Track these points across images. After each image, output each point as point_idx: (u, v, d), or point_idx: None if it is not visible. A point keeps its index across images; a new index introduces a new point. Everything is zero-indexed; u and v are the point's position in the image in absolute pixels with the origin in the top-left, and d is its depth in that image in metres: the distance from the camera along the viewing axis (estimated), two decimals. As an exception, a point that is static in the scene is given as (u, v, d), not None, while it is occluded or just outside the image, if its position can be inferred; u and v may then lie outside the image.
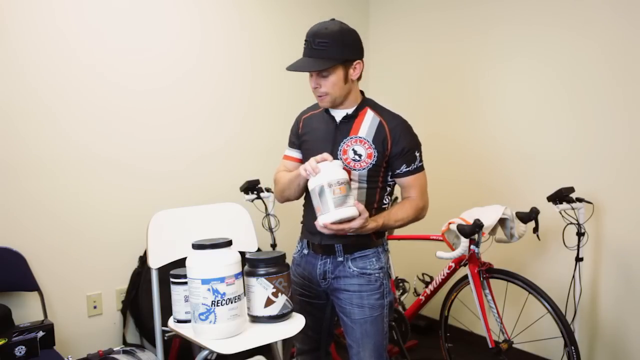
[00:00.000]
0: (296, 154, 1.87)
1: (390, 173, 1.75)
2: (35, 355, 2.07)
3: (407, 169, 1.72)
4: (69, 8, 2.44)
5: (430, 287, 2.68)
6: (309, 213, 1.77)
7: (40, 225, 2.42)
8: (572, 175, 2.54)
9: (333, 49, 1.62)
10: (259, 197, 2.69)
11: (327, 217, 1.56)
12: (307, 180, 1.64)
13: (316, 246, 1.79)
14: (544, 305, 2.23)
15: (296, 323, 1.66)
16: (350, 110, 1.74)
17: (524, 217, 2.33)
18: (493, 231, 2.39)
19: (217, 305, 1.52)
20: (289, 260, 1.72)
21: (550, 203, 2.38)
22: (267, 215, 2.71)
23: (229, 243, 1.58)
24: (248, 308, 1.65)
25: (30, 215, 2.40)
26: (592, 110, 2.48)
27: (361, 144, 1.70)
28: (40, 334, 2.17)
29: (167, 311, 1.80)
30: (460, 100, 3.05)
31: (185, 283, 1.61)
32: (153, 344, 2.53)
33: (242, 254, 1.65)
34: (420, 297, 2.73)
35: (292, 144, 1.88)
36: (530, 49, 2.68)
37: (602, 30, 2.41)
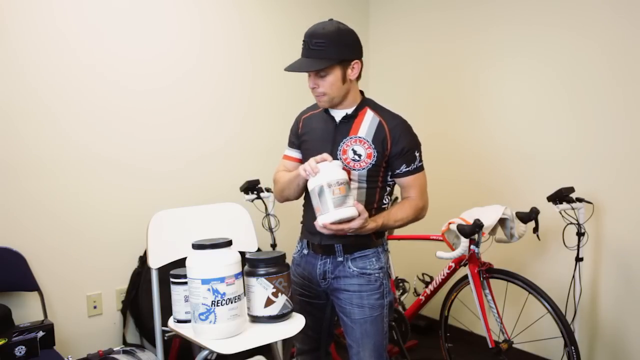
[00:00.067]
0: (296, 153, 1.87)
1: (390, 173, 1.75)
2: (35, 355, 2.07)
3: (407, 169, 1.72)
4: (68, 8, 2.44)
5: (430, 287, 2.68)
6: (309, 213, 1.77)
7: (40, 225, 2.42)
8: (572, 175, 2.54)
9: (330, 49, 1.62)
10: (259, 197, 2.69)
11: (327, 217, 1.56)
12: (307, 180, 1.64)
13: (316, 246, 1.79)
14: (544, 305, 2.23)
15: (296, 323, 1.66)
16: (349, 110, 1.74)
17: (524, 217, 2.33)
18: (493, 231, 2.39)
19: (217, 305, 1.52)
20: (288, 260, 1.72)
21: (550, 203, 2.38)
22: (267, 215, 2.71)
23: (229, 243, 1.58)
24: (248, 308, 1.65)
25: (30, 215, 2.40)
26: (592, 110, 2.48)
27: (361, 144, 1.70)
28: (40, 334, 2.17)
29: (167, 311, 1.80)
30: (460, 100, 3.05)
31: (185, 283, 1.61)
32: (153, 344, 2.53)
33: (242, 254, 1.65)
34: (420, 297, 2.73)
35: (292, 144, 1.88)
36: (530, 49, 2.68)
37: (602, 30, 2.41)
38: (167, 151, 2.78)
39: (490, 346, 2.34)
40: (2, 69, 2.30)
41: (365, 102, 1.76)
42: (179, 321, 1.73)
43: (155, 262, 1.87)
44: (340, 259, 1.75)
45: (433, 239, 2.63)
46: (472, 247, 2.32)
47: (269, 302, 1.62)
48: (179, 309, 1.72)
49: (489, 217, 2.30)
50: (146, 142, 2.71)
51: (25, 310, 2.40)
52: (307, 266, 1.83)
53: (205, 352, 1.62)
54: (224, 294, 1.52)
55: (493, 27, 2.84)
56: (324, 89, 1.67)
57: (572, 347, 2.16)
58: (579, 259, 2.40)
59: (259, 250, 2.15)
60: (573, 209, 2.36)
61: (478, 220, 2.21)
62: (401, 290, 2.92)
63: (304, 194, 1.82)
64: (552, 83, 2.62)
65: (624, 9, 2.34)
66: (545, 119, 2.65)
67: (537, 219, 2.34)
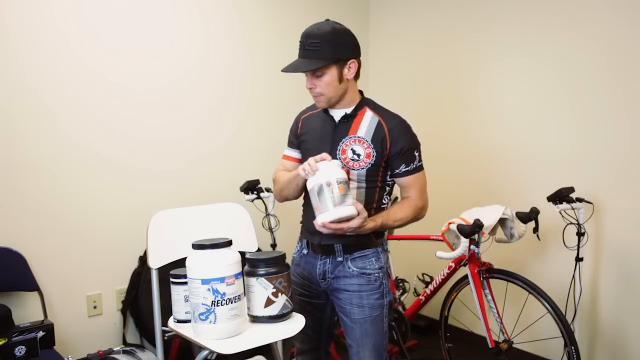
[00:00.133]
0: (295, 153, 1.87)
1: (389, 173, 1.76)
2: (35, 355, 2.07)
3: (407, 168, 1.72)
4: (68, 8, 2.44)
5: (430, 287, 2.68)
6: (308, 213, 1.77)
7: (40, 225, 2.42)
8: (572, 175, 2.54)
9: (325, 48, 1.62)
10: (259, 197, 2.69)
11: (326, 216, 1.56)
12: (306, 180, 1.64)
13: (316, 246, 1.79)
14: (544, 305, 2.23)
15: (296, 323, 1.66)
16: (349, 110, 1.74)
17: (524, 217, 2.33)
18: (493, 231, 2.39)
19: (217, 305, 1.52)
20: (288, 260, 1.72)
21: (550, 203, 2.38)
22: (267, 215, 2.71)
23: (229, 243, 1.58)
24: (248, 308, 1.65)
25: (30, 215, 2.40)
26: (592, 110, 2.48)
27: (360, 144, 1.70)
28: (40, 334, 2.17)
29: (167, 311, 1.80)
30: (460, 100, 3.05)
31: (185, 283, 1.61)
32: (153, 344, 2.53)
33: (242, 254, 1.65)
34: (420, 297, 2.73)
35: (291, 144, 1.89)
36: (531, 49, 2.68)
37: (602, 30, 2.41)
38: (167, 151, 2.78)
39: (490, 346, 2.34)
40: (2, 69, 2.30)
41: (365, 102, 1.76)
42: (179, 321, 1.73)
43: (155, 262, 1.87)
44: (339, 259, 1.75)
45: (433, 239, 2.63)
46: (472, 247, 2.32)
47: (269, 302, 1.62)
48: (179, 309, 1.72)
49: (489, 217, 2.30)
50: (146, 142, 2.71)
51: (25, 310, 2.40)
52: (306, 266, 1.83)
53: (205, 352, 1.62)
54: (224, 294, 1.52)
55: (493, 27, 2.84)
56: (320, 89, 1.68)
57: (572, 347, 2.16)
58: (579, 259, 2.40)
59: (259, 250, 2.15)
60: (573, 209, 2.36)
61: (478, 220, 2.21)
62: (401, 290, 2.92)
63: (303, 194, 1.82)
64: (552, 83, 2.62)
65: (624, 9, 2.34)
66: (545, 119, 2.65)
67: (537, 219, 2.34)
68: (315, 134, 1.79)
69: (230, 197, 2.50)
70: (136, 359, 2.30)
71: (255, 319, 1.65)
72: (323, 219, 1.57)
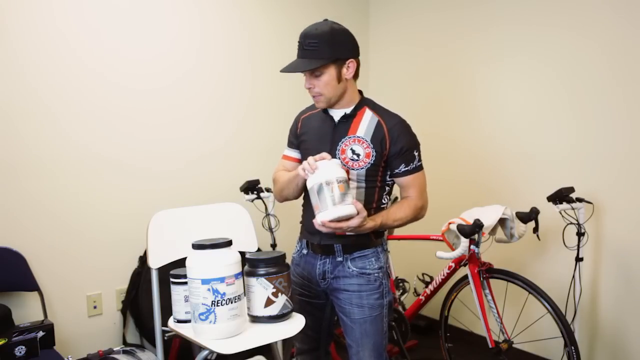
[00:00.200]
0: (295, 154, 1.87)
1: (389, 172, 1.76)
2: (35, 355, 2.07)
3: (406, 168, 1.72)
4: (68, 8, 2.44)
5: (430, 287, 2.68)
6: (308, 213, 1.77)
7: (40, 225, 2.42)
8: (572, 175, 2.54)
9: (323, 48, 1.62)
10: (259, 197, 2.69)
11: (325, 214, 1.56)
12: (306, 179, 1.64)
13: (315, 246, 1.79)
14: (544, 305, 2.23)
15: (296, 323, 1.66)
16: (348, 110, 1.74)
17: (524, 217, 2.33)
18: (493, 231, 2.39)
19: (217, 305, 1.52)
20: (288, 260, 1.72)
21: (550, 203, 2.38)
22: (267, 215, 2.71)
23: (229, 243, 1.58)
24: (248, 308, 1.65)
25: (30, 215, 2.40)
26: (592, 110, 2.48)
27: (359, 144, 1.70)
28: (40, 334, 2.17)
29: (167, 311, 1.80)
30: (461, 100, 3.05)
31: (185, 283, 1.61)
32: (153, 344, 2.53)
33: (242, 254, 1.65)
34: (420, 297, 2.73)
35: (291, 144, 1.89)
36: (531, 49, 2.68)
37: (602, 30, 2.41)
38: (167, 151, 2.78)
39: (490, 346, 2.34)
40: (2, 69, 2.30)
41: (364, 102, 1.76)
42: (179, 321, 1.73)
43: (155, 262, 1.87)
44: (339, 258, 1.75)
45: (433, 239, 2.63)
46: (472, 247, 2.32)
47: (269, 302, 1.62)
48: (179, 309, 1.72)
49: (489, 217, 2.30)
50: (146, 142, 2.71)
51: (25, 310, 2.40)
52: (306, 266, 1.83)
53: (205, 352, 1.62)
54: (224, 294, 1.52)
55: (493, 27, 2.84)
56: (319, 89, 1.68)
57: (572, 347, 2.16)
58: (579, 259, 2.40)
59: (259, 250, 2.15)
60: (573, 209, 2.36)
61: (478, 220, 2.21)
62: (401, 290, 2.92)
63: (303, 194, 1.82)
64: (552, 83, 2.62)
65: (624, 9, 2.34)
66: (545, 119, 2.65)
67: (537, 219, 2.34)
68: (314, 134, 1.79)
69: (230, 197, 2.50)
70: (136, 359, 2.30)
71: (255, 319, 1.65)
72: (322, 217, 1.57)
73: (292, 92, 3.05)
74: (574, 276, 2.42)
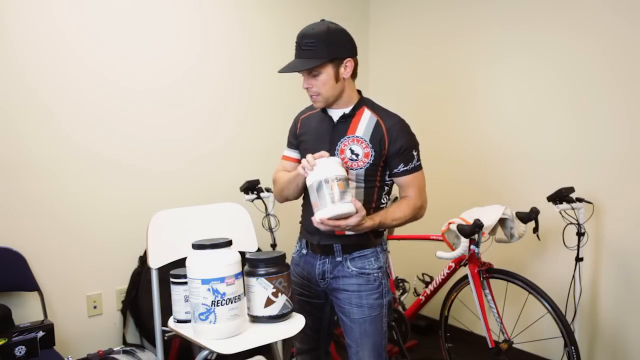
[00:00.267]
0: (294, 154, 1.87)
1: (388, 172, 1.76)
2: (35, 355, 2.07)
3: (405, 168, 1.72)
4: (68, 8, 2.44)
5: (430, 287, 2.68)
6: (308, 213, 1.77)
7: (40, 225, 2.42)
8: (572, 175, 2.54)
9: (320, 48, 1.63)
10: (259, 197, 2.69)
11: (324, 212, 1.56)
12: (306, 178, 1.64)
13: (315, 246, 1.79)
14: (544, 305, 2.23)
15: (296, 323, 1.66)
16: (347, 110, 1.74)
17: (524, 217, 2.33)
18: (493, 231, 2.39)
19: (217, 305, 1.52)
20: (288, 260, 1.72)
21: (550, 203, 2.38)
22: (267, 215, 2.71)
23: (229, 243, 1.58)
24: (248, 308, 1.65)
25: (30, 215, 2.40)
26: (592, 110, 2.48)
27: (358, 144, 1.70)
28: (40, 334, 2.17)
29: (167, 311, 1.80)
30: (461, 100, 3.05)
31: (185, 283, 1.61)
32: (153, 344, 2.53)
33: (242, 254, 1.65)
34: (420, 297, 2.73)
35: (290, 145, 1.89)
36: (531, 49, 2.68)
37: (602, 30, 2.41)
38: (167, 151, 2.78)
39: (490, 346, 2.34)
40: (2, 69, 2.30)
41: (363, 102, 1.76)
42: (179, 321, 1.73)
43: (155, 262, 1.87)
44: (339, 258, 1.75)
45: (433, 239, 2.63)
46: (472, 247, 2.32)
47: (269, 302, 1.62)
48: (179, 309, 1.72)
49: (489, 217, 2.30)
50: (146, 142, 2.71)
51: (25, 310, 2.40)
52: (306, 266, 1.83)
53: (205, 352, 1.62)
54: (224, 294, 1.52)
55: (493, 27, 2.84)
56: (317, 88, 1.68)
57: (572, 347, 2.16)
58: (579, 259, 2.39)
59: (259, 250, 2.15)
60: (573, 209, 2.36)
61: (478, 220, 2.21)
62: (401, 290, 2.92)
63: (303, 194, 1.82)
64: (552, 83, 2.62)
65: (624, 9, 2.34)
66: (545, 119, 2.65)
67: (537, 219, 2.34)
68: (313, 134, 1.79)
69: (230, 197, 2.50)
70: (136, 359, 2.30)
71: (255, 319, 1.65)
72: (321, 215, 1.57)
73: (292, 92, 3.04)
74: (574, 276, 2.42)
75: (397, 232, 2.82)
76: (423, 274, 2.90)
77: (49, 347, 2.19)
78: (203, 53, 2.88)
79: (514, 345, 2.36)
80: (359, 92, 1.79)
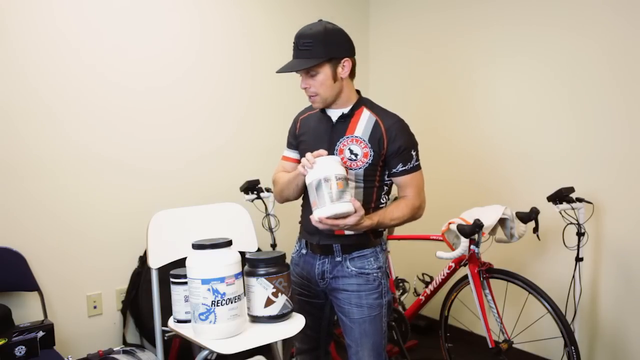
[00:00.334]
0: (294, 154, 1.87)
1: (387, 172, 1.76)
2: (35, 355, 2.07)
3: (404, 168, 1.72)
4: (68, 8, 2.45)
5: (430, 287, 2.68)
6: (307, 213, 1.76)
7: (40, 225, 2.42)
8: (572, 175, 2.54)
9: (318, 47, 1.63)
10: (259, 197, 2.69)
11: (323, 211, 1.56)
12: (305, 176, 1.64)
13: (314, 246, 1.79)
14: (544, 305, 2.23)
15: (296, 323, 1.66)
16: (346, 110, 1.74)
17: (524, 217, 2.33)
18: (493, 231, 2.39)
19: (217, 305, 1.52)
20: (288, 260, 1.72)
21: (550, 203, 2.38)
22: (267, 215, 2.71)
23: (229, 243, 1.58)
24: (248, 308, 1.65)
25: (30, 215, 2.40)
26: (592, 110, 2.48)
27: (357, 144, 1.70)
28: (40, 334, 2.17)
29: (167, 311, 1.80)
30: (462, 100, 3.05)
31: (185, 283, 1.61)
32: (153, 344, 2.54)
33: (242, 254, 1.65)
34: (420, 297, 2.73)
35: (290, 145, 1.89)
36: (531, 49, 2.68)
37: (602, 30, 2.41)
38: (167, 151, 2.78)
39: (490, 346, 2.34)
40: (2, 69, 2.30)
41: (362, 102, 1.76)
42: (179, 321, 1.73)
43: (155, 262, 1.87)
44: (338, 258, 1.75)
45: (433, 239, 2.63)
46: (472, 247, 2.32)
47: (269, 302, 1.62)
48: (179, 309, 1.72)
49: (489, 217, 2.30)
50: (146, 142, 2.71)
51: (25, 310, 2.40)
52: (305, 266, 1.83)
53: (205, 352, 1.62)
54: (224, 294, 1.52)
55: (494, 27, 2.84)
56: (315, 88, 1.68)
57: (572, 347, 2.16)
58: (579, 259, 2.39)
59: (259, 250, 2.15)
60: (573, 209, 2.36)
61: (478, 220, 2.21)
62: (401, 290, 2.92)
63: (303, 194, 1.82)
64: (552, 83, 2.62)
65: (624, 9, 2.34)
66: (545, 119, 2.65)
67: (537, 219, 2.34)
68: (313, 134, 1.79)
69: (230, 197, 2.50)
70: (136, 359, 2.30)
71: (255, 319, 1.65)
72: (320, 214, 1.57)
73: (291, 92, 3.04)
74: (574, 276, 2.42)
75: (397, 232, 2.82)
76: (423, 274, 2.90)
77: (49, 347, 2.19)
78: (203, 52, 2.88)
79: (514, 345, 2.36)
80: (358, 92, 1.79)
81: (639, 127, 2.33)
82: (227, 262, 1.54)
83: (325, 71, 1.65)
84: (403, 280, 2.93)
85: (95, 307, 2.60)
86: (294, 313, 1.70)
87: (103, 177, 2.58)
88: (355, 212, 1.58)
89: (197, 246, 1.55)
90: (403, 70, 3.36)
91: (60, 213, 2.48)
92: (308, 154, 1.62)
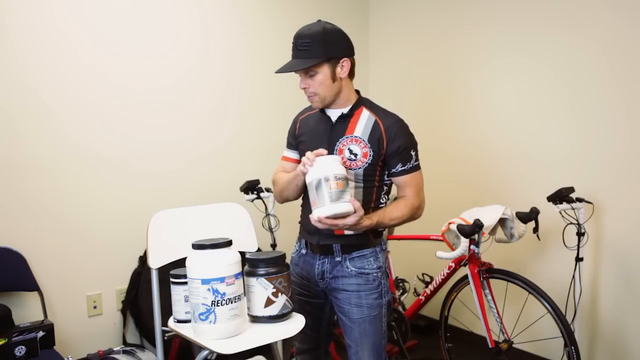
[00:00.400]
0: (294, 154, 1.87)
1: (386, 172, 1.76)
2: (35, 355, 2.07)
3: (403, 167, 1.72)
4: (68, 8, 2.45)
5: (430, 287, 2.68)
6: (307, 213, 1.76)
7: (40, 225, 2.42)
8: (572, 175, 2.54)
9: (316, 47, 1.63)
10: (259, 197, 2.69)
11: (322, 210, 1.56)
12: (305, 175, 1.64)
13: (314, 246, 1.79)
14: (544, 305, 2.23)
15: (296, 323, 1.66)
16: (345, 110, 1.74)
17: (524, 217, 2.33)
18: (493, 231, 2.39)
19: (217, 305, 1.52)
20: (288, 260, 1.72)
21: (550, 203, 2.38)
22: (267, 215, 2.71)
23: (229, 243, 1.58)
24: (248, 308, 1.65)
25: (30, 215, 2.40)
26: (592, 110, 2.48)
27: (357, 143, 1.70)
28: (40, 334, 2.17)
29: (167, 311, 1.80)
30: (462, 100, 3.05)
31: (185, 283, 1.61)
32: (153, 344, 2.54)
33: (242, 254, 1.65)
34: (420, 297, 2.73)
35: (290, 145, 1.89)
36: (531, 49, 2.68)
37: (602, 30, 2.41)
38: (167, 151, 2.78)
39: (490, 346, 2.34)
40: (2, 69, 2.30)
41: (361, 102, 1.76)
42: (179, 321, 1.73)
43: (155, 262, 1.87)
44: (338, 258, 1.75)
45: (433, 239, 2.63)
46: (472, 247, 2.32)
47: (269, 302, 1.62)
48: (179, 309, 1.72)
49: (489, 217, 2.30)
50: (146, 142, 2.71)
51: (25, 310, 2.40)
52: (305, 266, 1.83)
53: (205, 352, 1.62)
54: (224, 294, 1.52)
55: (494, 26, 2.84)
56: (314, 88, 1.68)
57: (572, 347, 2.16)
58: (579, 259, 2.39)
59: (259, 250, 2.15)
60: (573, 209, 2.36)
61: (478, 220, 2.21)
62: (401, 290, 2.92)
63: (302, 194, 1.82)
64: (552, 83, 2.62)
65: (624, 9, 2.34)
66: (545, 119, 2.65)
67: (537, 219, 2.34)
68: (312, 135, 1.79)
69: (230, 197, 2.50)
70: (136, 359, 2.30)
71: (255, 319, 1.65)
72: (319, 213, 1.57)
73: (292, 92, 3.04)
74: (574, 276, 2.42)
75: (397, 232, 2.82)
76: (423, 274, 2.90)
77: (49, 347, 2.19)
78: (203, 53, 2.88)
79: (514, 345, 2.36)
80: (357, 92, 1.79)
81: (639, 127, 2.33)
82: (227, 262, 1.54)
83: (324, 71, 1.66)
84: (403, 280, 2.93)
85: (95, 307, 2.60)
86: (294, 313, 1.70)
87: (103, 177, 2.58)
88: (355, 212, 1.58)
89: (197, 246, 1.55)
90: (403, 70, 3.36)
91: (60, 213, 2.48)
92: (308, 152, 1.63)
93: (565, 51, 2.55)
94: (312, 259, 1.81)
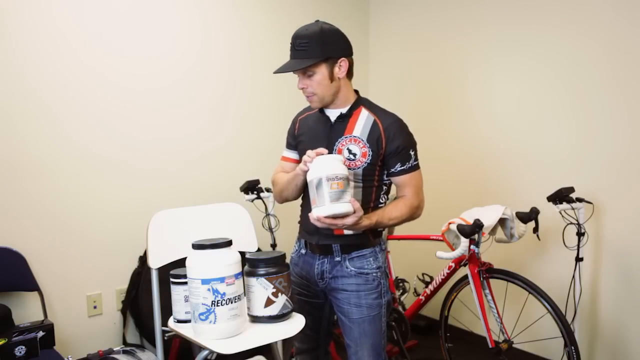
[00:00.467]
0: (293, 155, 1.88)
1: (385, 172, 1.76)
2: (35, 355, 2.07)
3: (402, 167, 1.72)
4: (68, 8, 2.45)
5: (430, 287, 2.68)
6: (306, 213, 1.76)
7: (40, 225, 2.42)
8: (572, 175, 2.54)
9: (314, 48, 1.63)
10: (259, 197, 2.69)
11: (321, 210, 1.56)
12: (305, 181, 1.64)
13: (314, 246, 1.79)
14: (544, 305, 2.23)
15: (296, 323, 1.66)
16: (344, 110, 1.74)
17: (524, 217, 2.33)
18: (493, 231, 2.39)
19: (217, 305, 1.52)
20: (288, 260, 1.72)
21: (550, 203, 2.38)
22: (267, 215, 2.71)
23: (229, 243, 1.58)
24: (248, 308, 1.65)
25: (30, 215, 2.40)
26: (592, 110, 2.48)
27: (356, 143, 1.71)
28: (40, 334, 2.17)
29: (167, 311, 1.80)
30: (461, 100, 3.05)
31: (185, 283, 1.61)
32: (153, 344, 2.54)
33: (242, 254, 1.65)
34: (420, 297, 2.73)
35: (289, 145, 1.89)
36: (531, 49, 2.68)
37: (602, 30, 2.41)
38: (167, 151, 2.78)
39: (490, 346, 2.34)
40: (2, 69, 2.30)
41: (360, 102, 1.77)
42: (179, 321, 1.73)
43: (155, 262, 1.87)
44: (337, 258, 1.75)
45: (433, 239, 2.63)
46: (472, 247, 2.32)
47: (269, 302, 1.62)
48: (179, 309, 1.72)
49: (489, 217, 2.30)
50: (146, 142, 2.71)
51: (25, 310, 2.40)
52: (304, 266, 1.83)
53: (205, 352, 1.62)
54: (224, 294, 1.52)
55: (494, 26, 2.84)
56: (312, 88, 1.69)
57: (572, 347, 2.16)
58: (579, 259, 2.40)
59: (259, 250, 2.15)
60: (573, 209, 2.36)
61: (478, 220, 2.21)
62: (401, 290, 2.92)
63: (302, 194, 1.82)
64: (552, 83, 2.62)
65: (624, 9, 2.34)
66: (545, 119, 2.65)
67: (537, 219, 2.34)
68: (311, 134, 1.79)
69: (230, 197, 2.50)
70: (136, 359, 2.30)
71: (255, 319, 1.65)
72: (318, 212, 1.57)
73: (291, 92, 3.04)
74: (574, 276, 2.42)
75: (397, 232, 2.82)
76: (423, 274, 2.91)
77: (49, 347, 2.19)
78: (203, 53, 2.88)
79: (514, 345, 2.36)
80: (357, 92, 1.79)
81: (639, 127, 2.33)
82: (227, 262, 1.54)
83: (321, 71, 1.66)
84: (403, 280, 2.93)
85: (95, 307, 2.60)
86: (293, 313, 1.70)
87: (103, 177, 2.58)
88: (355, 212, 1.58)
89: (197, 246, 1.55)
90: (403, 70, 3.36)
91: (60, 213, 2.48)
92: (309, 151, 1.63)
93: (565, 51, 2.55)
94: (311, 258, 1.81)
